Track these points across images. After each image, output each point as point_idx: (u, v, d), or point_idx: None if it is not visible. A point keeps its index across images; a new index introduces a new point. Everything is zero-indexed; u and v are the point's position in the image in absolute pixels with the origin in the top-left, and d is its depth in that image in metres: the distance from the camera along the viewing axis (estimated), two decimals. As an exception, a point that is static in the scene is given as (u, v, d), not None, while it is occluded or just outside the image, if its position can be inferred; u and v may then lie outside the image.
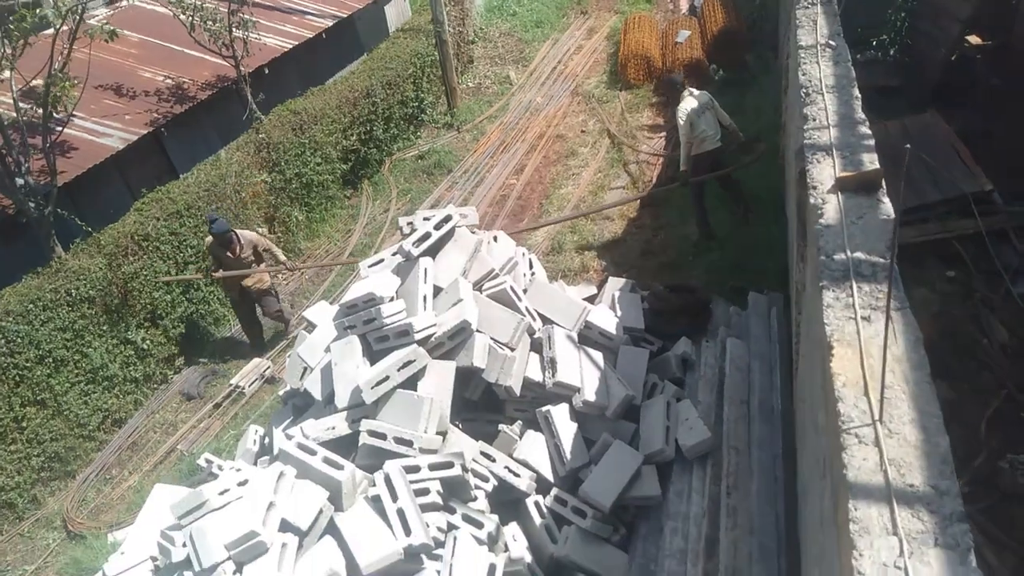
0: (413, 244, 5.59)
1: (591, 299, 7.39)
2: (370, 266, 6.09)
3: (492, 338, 5.42)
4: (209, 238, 7.79)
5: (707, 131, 8.21)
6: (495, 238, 6.49)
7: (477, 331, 5.38)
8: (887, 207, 2.97)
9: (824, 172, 3.22)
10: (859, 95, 3.91)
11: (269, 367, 8.31)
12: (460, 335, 5.30)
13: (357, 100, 10.84)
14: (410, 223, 6.10)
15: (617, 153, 11.48)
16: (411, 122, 12.51)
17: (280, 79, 11.24)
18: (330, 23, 12.37)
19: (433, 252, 5.79)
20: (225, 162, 9.20)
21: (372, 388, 5.00)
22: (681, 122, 8.07)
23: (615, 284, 7.11)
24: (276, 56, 10.99)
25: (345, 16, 12.80)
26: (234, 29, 9.33)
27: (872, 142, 3.40)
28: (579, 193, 10.67)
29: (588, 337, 6.03)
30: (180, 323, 8.44)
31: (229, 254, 7.87)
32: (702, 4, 14.98)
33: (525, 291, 6.08)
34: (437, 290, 5.67)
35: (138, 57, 10.27)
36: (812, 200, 3.07)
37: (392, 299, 5.47)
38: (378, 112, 11.25)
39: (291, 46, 11.33)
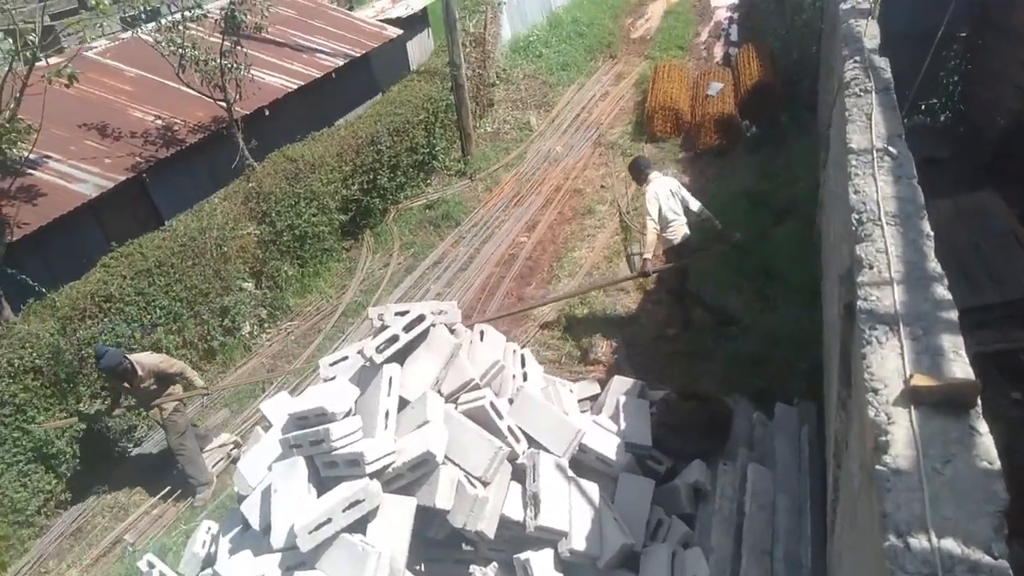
0: (377, 349, 4.70)
1: (593, 399, 6.44)
2: (332, 364, 5.21)
3: (463, 470, 4.49)
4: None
5: (675, 219, 7.27)
6: (481, 334, 5.57)
7: (446, 460, 4.46)
8: (987, 444, 2.02)
9: (887, 362, 2.26)
10: (931, 233, 2.96)
11: (237, 445, 7.45)
12: (423, 467, 4.37)
13: (361, 148, 10.05)
14: (381, 316, 5.21)
15: (636, 215, 10.53)
16: (421, 169, 11.71)
17: (283, 120, 10.51)
18: (341, 63, 11.67)
19: (403, 355, 4.89)
20: (208, 213, 8.43)
21: (310, 533, 4.08)
22: (649, 207, 7.14)
23: (621, 385, 6.13)
24: (278, 97, 10.27)
25: (358, 55, 12.10)
26: (227, 70, 8.60)
27: (955, 315, 2.44)
28: (593, 258, 9.73)
29: (583, 462, 5.07)
30: (143, 391, 7.63)
31: (127, 384, 6.49)
32: (737, 54, 14.08)
33: (511, 401, 5.15)
34: (404, 402, 4.76)
35: (131, 95, 9.60)
36: (873, 414, 2.12)
37: (349, 414, 4.58)
38: (383, 160, 10.45)
39: (295, 86, 10.61)
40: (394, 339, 4.74)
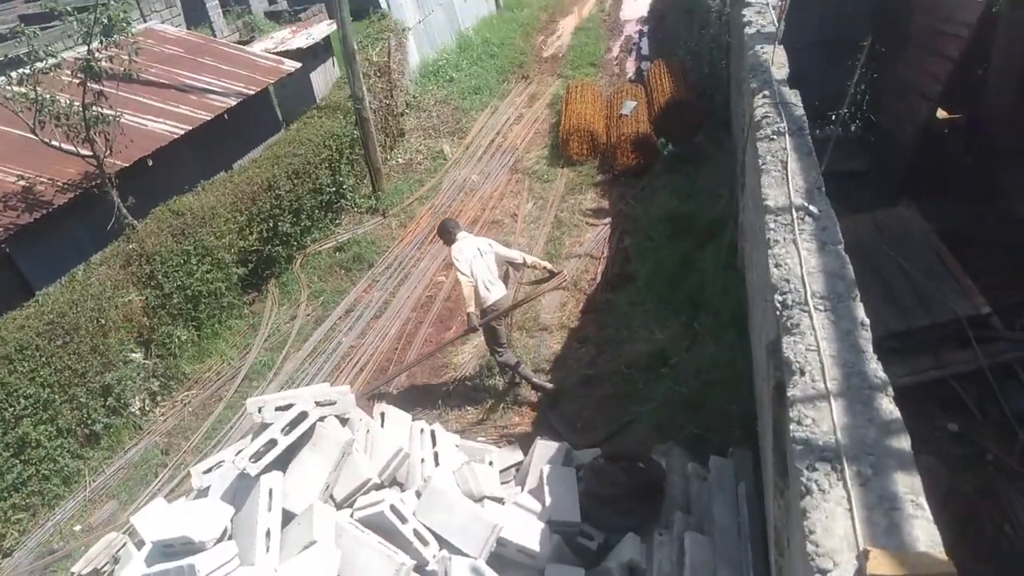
0: (251, 459, 4.01)
1: (516, 467, 5.87)
2: (205, 472, 4.48)
3: (360, 593, 3.84)
4: None
5: (487, 279, 6.86)
6: (382, 416, 4.93)
7: (339, 585, 3.81)
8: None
9: (834, 524, 1.75)
10: (866, 320, 2.50)
11: (125, 545, 6.56)
12: (310, 600, 3.71)
13: (257, 194, 9.26)
14: (260, 410, 4.51)
15: (555, 247, 10.06)
16: (328, 209, 10.97)
17: (172, 170, 9.63)
18: (234, 102, 10.84)
19: (287, 458, 4.21)
20: (82, 282, 7.53)
21: None
22: (458, 265, 6.80)
23: (544, 452, 5.58)
24: (163, 144, 9.40)
25: (254, 92, 11.29)
26: (92, 122, 7.72)
27: (907, 442, 1.96)
28: (516, 291, 9.18)
29: (504, 556, 4.49)
30: (11, 492, 6.68)
31: None
32: (649, 69, 13.84)
33: (418, 493, 4.53)
34: (289, 515, 4.09)
35: (-10, 152, 8.59)
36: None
37: (222, 538, 3.87)
38: (284, 205, 9.68)
39: (183, 131, 9.74)
40: (272, 444, 4.06)
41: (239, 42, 16.48)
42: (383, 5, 14.39)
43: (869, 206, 8.72)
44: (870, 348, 2.35)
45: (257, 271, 9.71)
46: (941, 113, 9.68)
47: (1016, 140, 8.96)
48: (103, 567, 6.37)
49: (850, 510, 1.78)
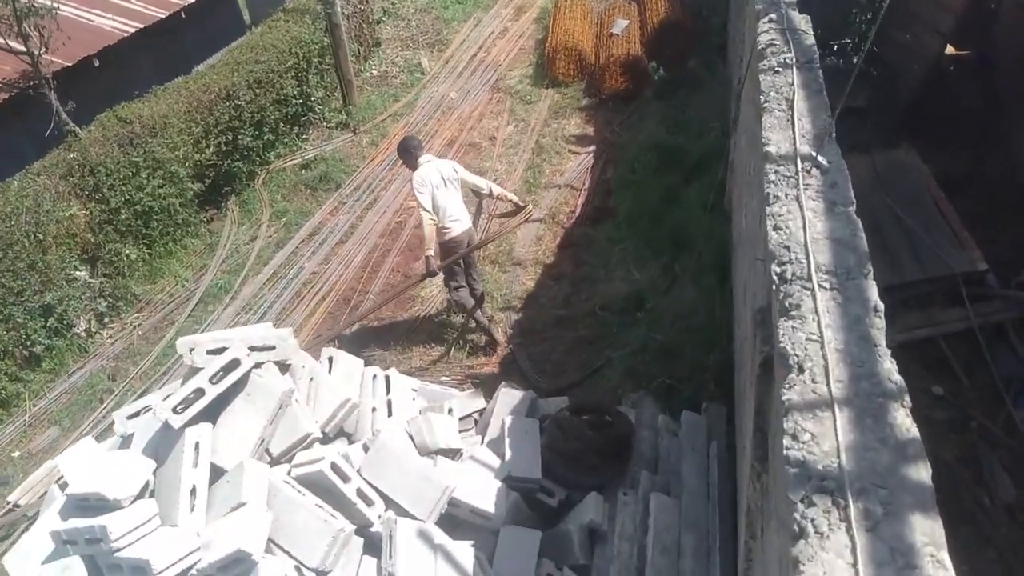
0: (174, 410, 3.59)
1: (479, 414, 5.54)
2: (130, 417, 4.07)
3: (295, 559, 3.52)
4: None
5: (451, 212, 6.28)
6: (330, 361, 4.52)
7: (270, 549, 3.47)
8: None
9: (835, 562, 1.37)
10: (880, 305, 2.08)
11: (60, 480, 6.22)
12: (236, 566, 3.37)
13: (214, 104, 8.53)
14: (192, 351, 4.06)
15: (535, 175, 9.50)
16: (295, 123, 10.24)
17: (121, 72, 8.86)
18: (184, 2, 9.93)
19: (217, 409, 3.81)
20: (17, 193, 6.91)
21: None
22: (419, 198, 6.14)
23: (507, 400, 5.23)
24: (110, 43, 8.58)
25: (212, -9, 10.36)
26: (24, 13, 6.91)
27: (928, 474, 1.57)
28: (487, 226, 8.68)
29: (456, 517, 4.18)
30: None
31: None
32: (645, -15, 12.90)
33: (366, 447, 4.16)
34: (217, 471, 3.71)
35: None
36: None
37: (143, 495, 3.50)
38: (244, 117, 8.95)
39: (134, 30, 8.90)
40: (199, 393, 3.64)
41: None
42: (361, -102, 13.17)
43: (868, 145, 8.24)
44: (884, 341, 1.95)
45: (216, 187, 9.08)
46: (948, 48, 9.06)
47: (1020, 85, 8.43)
48: (41, 496, 6.03)
49: (855, 565, 1.40)
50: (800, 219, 2.41)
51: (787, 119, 2.94)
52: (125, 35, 8.71)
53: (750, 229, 4.19)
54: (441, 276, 6.71)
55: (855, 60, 9.71)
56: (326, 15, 10.23)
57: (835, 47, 9.90)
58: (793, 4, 3.93)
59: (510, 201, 6.69)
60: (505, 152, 10.11)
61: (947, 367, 5.66)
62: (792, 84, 3.09)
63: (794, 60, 3.24)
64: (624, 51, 10.98)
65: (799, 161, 2.65)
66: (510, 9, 14.23)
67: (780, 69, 3.20)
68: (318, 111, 10.68)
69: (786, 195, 2.52)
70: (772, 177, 2.63)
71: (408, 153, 6.51)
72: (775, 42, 3.47)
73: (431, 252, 6.21)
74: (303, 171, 9.92)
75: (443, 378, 6.51)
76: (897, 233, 6.46)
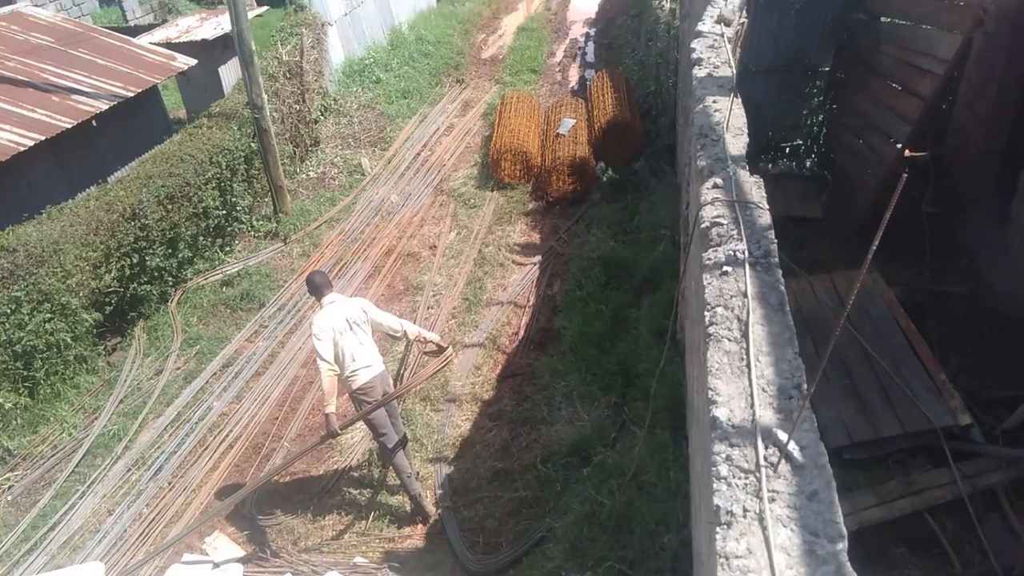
0: None
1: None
2: None
3: None
4: None
5: (359, 358, 5.45)
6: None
7: None
8: None
9: None
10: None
11: None
12: None
13: (116, 225, 7.61)
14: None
15: (476, 291, 8.67)
16: (218, 235, 9.34)
17: (24, 186, 7.92)
18: (106, 106, 9.11)
19: None
20: None
21: None
22: (318, 347, 5.28)
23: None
24: (1, 159, 7.66)
25: (133, 94, 9.56)
26: None
27: None
28: (416, 361, 7.76)
29: None
30: None
31: None
32: (592, 82, 12.50)
33: None
34: None
35: None
36: None
37: None
38: (152, 236, 8.04)
39: (32, 143, 8.01)
40: None
41: (151, 26, 14.58)
42: (300, -4, 12.69)
43: (825, 259, 7.61)
44: None
45: (119, 313, 8.08)
46: (904, 152, 8.59)
47: (982, 189, 7.94)
48: None
49: None
50: (766, 555, 1.56)
51: (741, 358, 2.14)
52: (20, 149, 7.78)
53: (701, 409, 3.34)
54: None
55: (807, 164, 9.24)
56: (254, 120, 9.48)
57: (786, 149, 9.44)
58: (743, 160, 3.19)
59: (430, 341, 5.81)
60: (446, 263, 9.31)
61: (936, 542, 4.81)
62: (745, 294, 2.30)
63: (746, 254, 2.46)
64: (571, 152, 10.41)
65: (760, 444, 1.82)
66: (457, 104, 13.71)
67: (729, 268, 2.42)
68: (245, 220, 9.82)
69: (743, 511, 1.68)
70: (723, 470, 1.79)
71: (315, 289, 5.66)
72: (722, 221, 2.71)
73: (332, 409, 5.29)
74: (224, 288, 8.97)
75: (358, 558, 5.47)
76: (868, 375, 5.71)
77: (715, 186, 2.98)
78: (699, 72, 4.19)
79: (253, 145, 9.71)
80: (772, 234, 2.60)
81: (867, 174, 7.93)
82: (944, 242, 7.55)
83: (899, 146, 7.48)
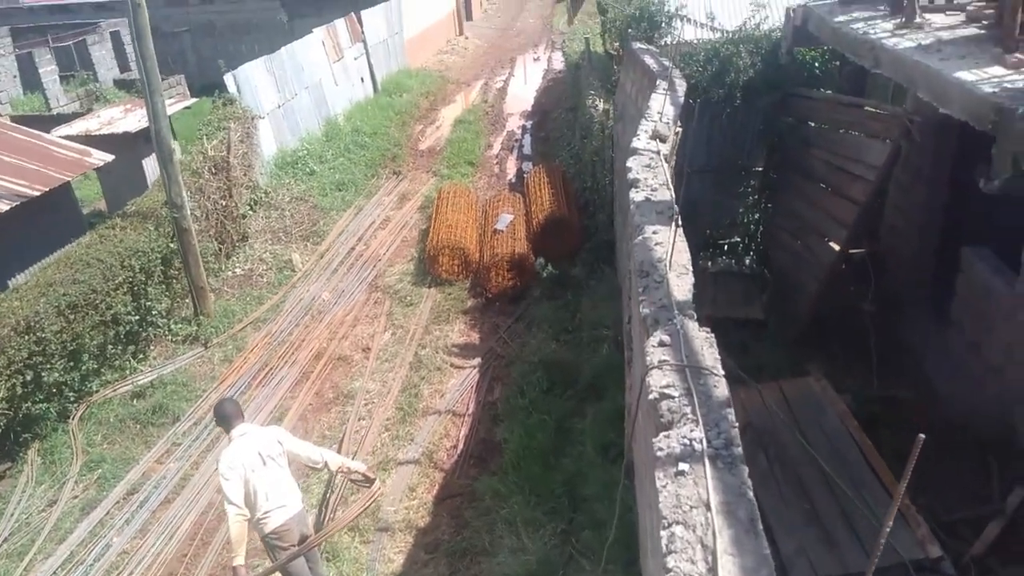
0: None
1: None
2: None
3: None
4: None
5: (273, 496, 4.90)
6: None
7: None
8: None
9: None
10: None
11: None
12: None
13: (6, 341, 6.86)
14: None
15: (411, 399, 8.13)
16: (130, 342, 8.60)
17: None
18: (6, 207, 8.43)
19: None
20: None
21: None
22: (225, 487, 4.73)
23: None
24: None
25: (38, 193, 8.91)
26: None
27: None
28: (341, 488, 7.10)
29: None
30: None
31: None
32: (529, 176, 12.42)
33: None
34: None
35: None
36: None
37: None
38: (50, 350, 7.29)
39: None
40: None
41: (75, 115, 13.98)
42: (231, 88, 12.36)
43: (772, 364, 7.39)
44: None
45: (9, 435, 7.21)
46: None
47: (919, 289, 7.95)
48: None
49: None
50: None
51: (695, 542, 1.72)
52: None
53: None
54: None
55: (747, 262, 9.18)
56: (173, 220, 8.93)
57: (725, 246, 9.39)
58: (690, 307, 2.86)
59: (354, 472, 5.24)
60: (380, 367, 8.77)
61: None
62: (708, 505, 1.89)
63: (704, 443, 2.08)
64: (510, 248, 10.17)
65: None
66: (393, 196, 13.44)
67: (686, 466, 2.02)
68: (161, 325, 9.11)
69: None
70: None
71: (224, 420, 5.06)
72: (672, 393, 2.34)
73: (240, 561, 4.66)
74: (135, 401, 8.20)
75: None
76: (828, 498, 5.39)
77: (661, 344, 2.63)
78: (636, 195, 3.93)
79: (172, 245, 9.12)
80: (731, 414, 2.24)
81: (806, 275, 7.86)
82: (889, 343, 7.46)
83: (837, 248, 7.45)
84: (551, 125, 16.44)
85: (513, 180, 13.81)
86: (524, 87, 20.45)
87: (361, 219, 12.55)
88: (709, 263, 9.23)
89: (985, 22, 5.20)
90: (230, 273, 10.72)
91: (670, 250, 3.29)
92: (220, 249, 10.59)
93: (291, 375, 8.73)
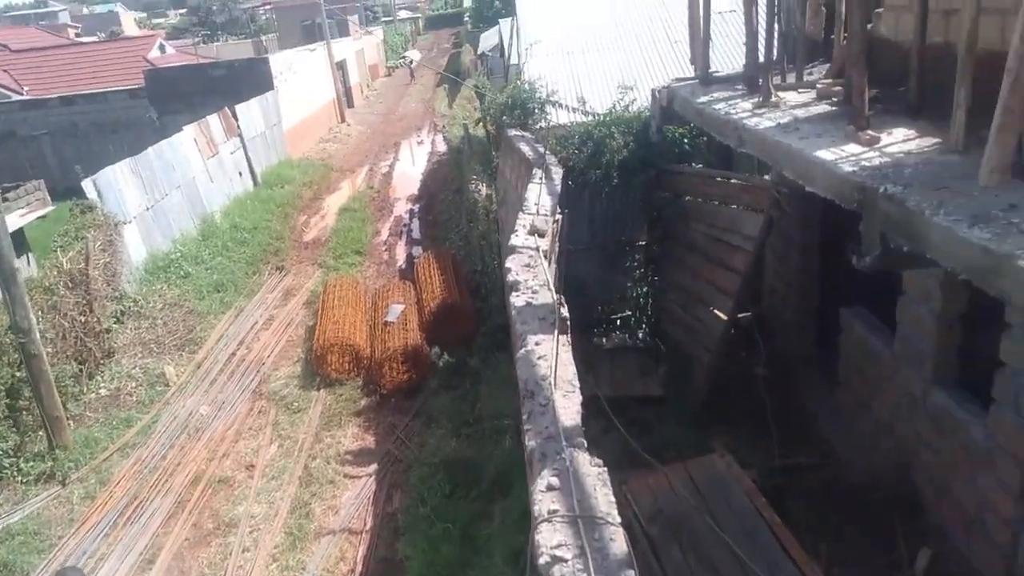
0: None
1: None
2: None
3: None
4: None
5: None
6: None
7: None
8: None
9: None
10: None
11: None
12: None
13: None
14: None
15: (301, 521, 7.38)
16: (-33, 490, 7.44)
17: None
18: None
19: None
20: None
21: None
22: None
23: None
24: None
25: None
26: None
27: None
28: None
29: None
30: None
31: None
32: (418, 263, 12.09)
33: None
34: None
35: None
36: None
37: None
38: None
39: None
40: None
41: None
42: (90, 194, 11.47)
43: (675, 442, 7.20)
44: None
45: None
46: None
47: (805, 350, 8.08)
48: None
49: None
50: None
51: None
52: None
53: None
54: None
55: (641, 336, 9.10)
56: (19, 346, 7.95)
57: (618, 322, 9.31)
58: (579, 433, 2.54)
59: None
60: (266, 487, 7.98)
61: None
62: None
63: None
64: (402, 340, 9.72)
65: None
66: (277, 293, 12.74)
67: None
68: (8, 465, 7.98)
69: None
70: None
71: None
72: (564, 554, 1.98)
73: None
74: (-30, 562, 7.00)
75: None
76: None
77: (550, 488, 2.27)
78: (517, 300, 3.63)
79: (19, 374, 8.09)
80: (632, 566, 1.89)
81: (698, 346, 7.83)
82: (786, 407, 7.46)
83: (724, 318, 7.46)
84: (439, 207, 16.30)
85: (403, 266, 13.44)
86: (410, 170, 20.40)
87: (242, 321, 11.76)
88: (604, 339, 9.10)
89: (835, 99, 5.38)
90: (93, 395, 9.64)
91: (554, 364, 2.97)
92: (80, 370, 9.53)
93: (165, 506, 7.79)
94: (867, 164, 3.99)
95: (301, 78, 23.37)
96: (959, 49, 3.66)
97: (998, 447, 4.78)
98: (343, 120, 27.12)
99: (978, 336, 5.06)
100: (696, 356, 7.76)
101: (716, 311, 7.61)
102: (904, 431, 6.06)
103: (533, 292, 3.76)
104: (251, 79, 20.64)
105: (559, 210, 6.21)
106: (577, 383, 2.91)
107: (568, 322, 3.98)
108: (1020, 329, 4.29)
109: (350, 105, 29.42)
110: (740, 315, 8.45)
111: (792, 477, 6.55)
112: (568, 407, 2.71)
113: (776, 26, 6.75)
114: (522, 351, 3.17)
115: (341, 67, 28.30)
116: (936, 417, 5.49)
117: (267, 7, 45.31)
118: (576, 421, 2.64)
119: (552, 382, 2.85)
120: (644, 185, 8.44)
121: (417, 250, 13.89)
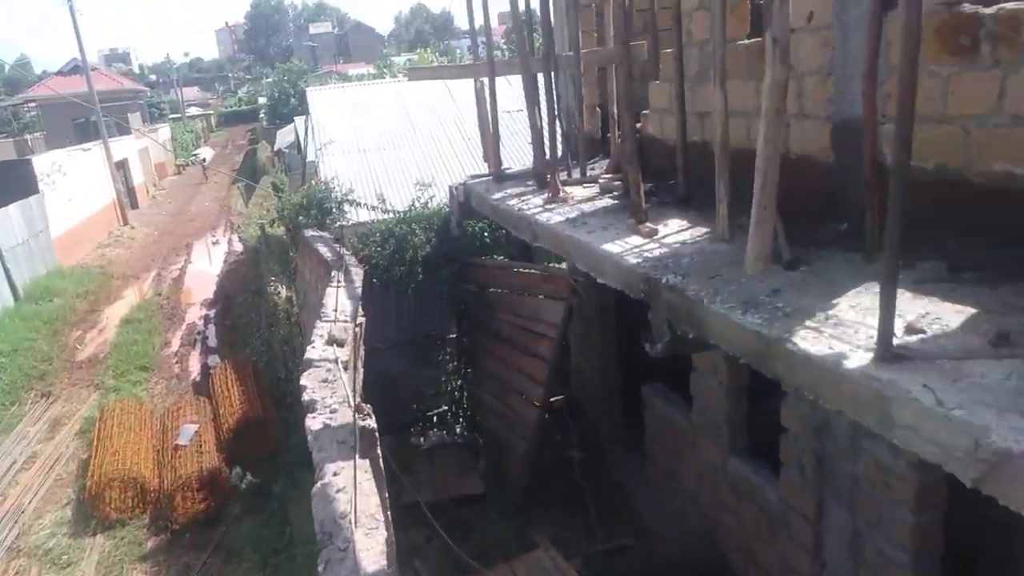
0: None
1: None
2: None
3: None
4: None
5: None
6: None
7: None
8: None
9: None
10: None
11: None
12: None
13: None
14: None
15: None
16: None
17: None
18: None
19: None
20: None
21: None
22: None
23: None
24: None
25: None
26: None
27: None
28: None
29: None
30: None
31: None
32: (214, 375, 11.04)
33: None
34: None
35: None
36: None
37: None
38: None
39: None
40: None
41: None
42: None
43: (500, 539, 6.95)
44: None
45: None
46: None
47: (613, 426, 8.30)
48: None
49: None
50: None
51: None
52: None
53: None
54: None
55: (458, 430, 8.89)
56: None
57: (434, 418, 9.04)
58: (383, 580, 2.22)
59: None
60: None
61: None
62: None
63: None
64: (197, 465, 8.68)
65: None
66: (42, 425, 10.96)
67: None
68: None
69: None
70: None
71: None
72: None
73: None
74: None
75: None
76: None
77: None
78: (313, 423, 3.28)
79: None
80: None
81: (514, 436, 7.76)
82: (602, 486, 7.53)
83: (536, 405, 7.48)
84: (237, 311, 15.21)
85: (198, 379, 12.20)
86: (205, 273, 19.00)
87: (-4, 462, 9.90)
88: (422, 439, 8.77)
89: (616, 193, 5.71)
90: None
91: (354, 498, 2.65)
92: None
93: None
94: (649, 256, 4.18)
95: (73, 180, 21.26)
96: (715, 147, 4.01)
97: (790, 508, 5.08)
98: (126, 223, 24.93)
99: (769, 402, 5.42)
100: (513, 446, 7.67)
101: (529, 399, 7.62)
102: (708, 499, 6.30)
103: (331, 412, 3.43)
104: (11, 182, 18.39)
105: (361, 313, 5.95)
106: (380, 516, 2.61)
107: (376, 433, 3.70)
108: (794, 398, 4.64)
109: (134, 206, 27.22)
110: (552, 399, 8.58)
111: (614, 560, 6.54)
112: (371, 547, 2.40)
113: (559, 125, 7.19)
114: (318, 485, 2.82)
115: (122, 166, 26.24)
116: (735, 484, 5.77)
117: (31, 104, 41.24)
118: (381, 565, 2.33)
119: (352, 519, 2.53)
120: (449, 279, 8.43)
121: (214, 359, 12.73)
